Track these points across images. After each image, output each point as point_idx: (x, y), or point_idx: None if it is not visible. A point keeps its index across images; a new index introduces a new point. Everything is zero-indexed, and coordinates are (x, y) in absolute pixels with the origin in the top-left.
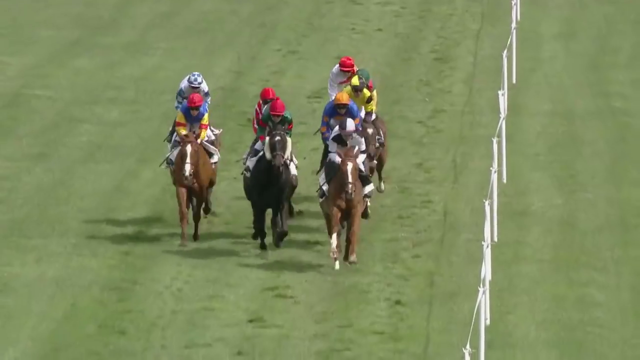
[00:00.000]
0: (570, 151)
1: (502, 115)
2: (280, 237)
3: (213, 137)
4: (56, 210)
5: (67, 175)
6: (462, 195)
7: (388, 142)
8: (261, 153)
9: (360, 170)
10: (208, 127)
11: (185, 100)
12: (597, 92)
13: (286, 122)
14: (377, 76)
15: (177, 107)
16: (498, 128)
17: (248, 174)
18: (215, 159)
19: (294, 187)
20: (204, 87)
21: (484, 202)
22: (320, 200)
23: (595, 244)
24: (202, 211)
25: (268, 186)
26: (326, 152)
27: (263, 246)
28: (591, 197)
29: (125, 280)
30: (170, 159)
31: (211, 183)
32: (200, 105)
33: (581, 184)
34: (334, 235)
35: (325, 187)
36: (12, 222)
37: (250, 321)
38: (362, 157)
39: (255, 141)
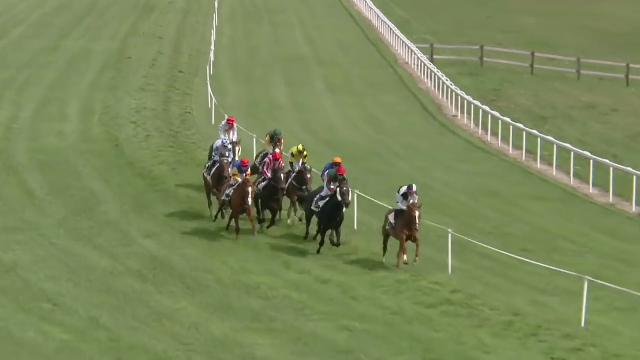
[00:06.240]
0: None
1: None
2: (339, 244)
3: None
4: None
5: None
6: None
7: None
8: (328, 198)
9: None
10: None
11: (220, 154)
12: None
13: (345, 180)
14: None
15: (214, 156)
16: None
17: (317, 210)
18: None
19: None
20: (235, 138)
21: None
22: (387, 228)
23: None
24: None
25: (334, 217)
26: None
27: (319, 251)
28: None
29: None
30: (227, 194)
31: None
32: (248, 165)
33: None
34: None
35: (393, 221)
36: None
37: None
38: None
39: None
